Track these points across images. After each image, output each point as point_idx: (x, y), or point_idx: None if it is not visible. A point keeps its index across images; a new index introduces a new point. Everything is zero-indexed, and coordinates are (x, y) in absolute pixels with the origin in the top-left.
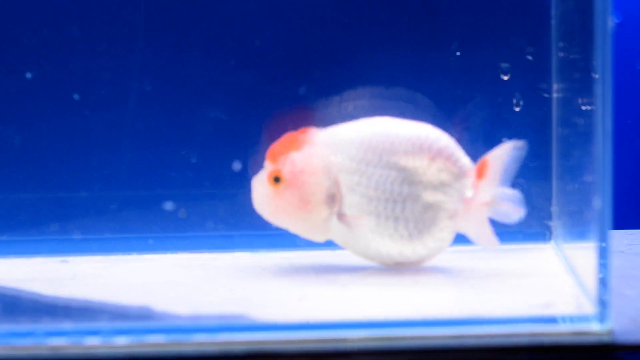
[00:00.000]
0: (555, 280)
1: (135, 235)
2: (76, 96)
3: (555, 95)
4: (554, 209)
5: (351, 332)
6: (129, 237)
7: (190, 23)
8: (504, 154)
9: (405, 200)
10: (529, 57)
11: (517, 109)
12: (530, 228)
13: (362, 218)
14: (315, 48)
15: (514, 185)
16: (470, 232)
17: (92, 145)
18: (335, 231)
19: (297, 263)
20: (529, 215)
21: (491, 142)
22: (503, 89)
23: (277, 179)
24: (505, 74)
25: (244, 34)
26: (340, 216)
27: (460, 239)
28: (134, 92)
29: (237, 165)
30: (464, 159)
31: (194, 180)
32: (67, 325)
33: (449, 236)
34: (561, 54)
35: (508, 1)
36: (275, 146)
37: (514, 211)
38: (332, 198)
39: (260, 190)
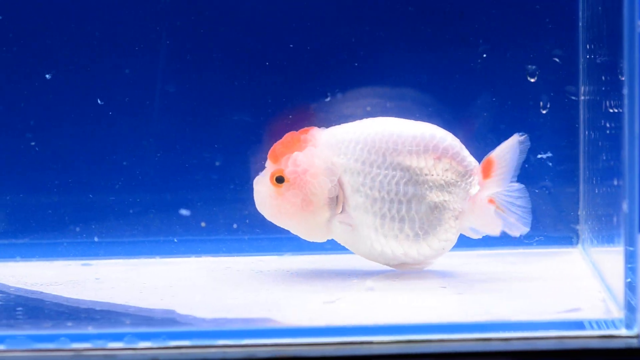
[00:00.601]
0: (582, 284)
1: (159, 239)
2: (100, 102)
3: (582, 98)
4: (581, 212)
5: (376, 336)
6: (152, 240)
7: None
8: (509, 150)
9: (410, 200)
10: (557, 60)
11: (544, 112)
12: (558, 232)
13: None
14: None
15: (540, 188)
16: (479, 224)
17: (115, 148)
18: (337, 232)
19: (322, 266)
20: (556, 219)
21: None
22: (530, 91)
23: (279, 180)
24: (533, 77)
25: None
26: (345, 217)
27: (486, 242)
28: (157, 95)
29: (261, 168)
30: (470, 158)
31: (218, 183)
32: (90, 329)
33: (454, 237)
34: (589, 57)
35: (536, 4)
36: (277, 146)
37: (519, 226)
38: (335, 199)
39: (262, 191)
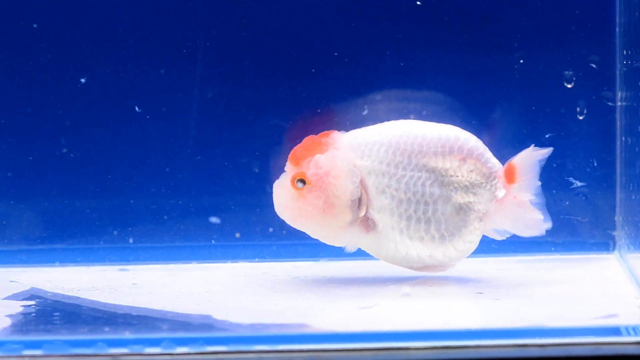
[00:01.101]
0: (619, 291)
1: (196, 244)
2: (138, 109)
3: (619, 103)
4: (618, 218)
5: (413, 341)
6: (190, 246)
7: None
8: (530, 157)
9: (436, 201)
10: (593, 66)
11: (581, 118)
12: (594, 238)
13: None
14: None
15: (577, 194)
16: (509, 225)
17: (153, 153)
18: (359, 235)
19: (358, 272)
20: (593, 225)
21: (557, 150)
22: (567, 97)
23: (301, 182)
24: (569, 82)
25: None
26: (366, 220)
27: (523, 248)
28: (194, 100)
29: None
30: (493, 160)
31: (256, 188)
32: (127, 334)
33: (477, 239)
34: (626, 62)
35: (573, 9)
36: (298, 149)
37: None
38: (357, 202)
39: (283, 194)
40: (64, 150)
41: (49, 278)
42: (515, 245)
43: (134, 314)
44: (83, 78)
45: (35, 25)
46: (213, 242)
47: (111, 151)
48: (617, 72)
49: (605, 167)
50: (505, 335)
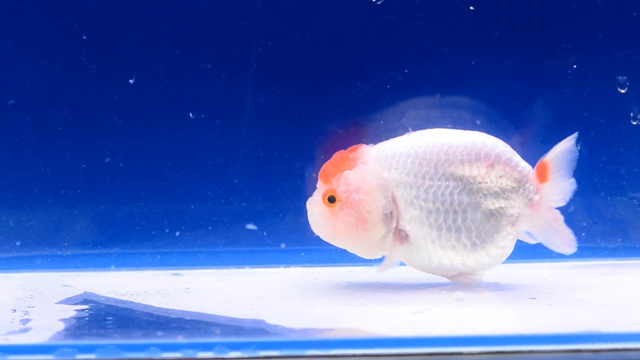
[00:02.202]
0: None
1: (249, 249)
2: (192, 115)
3: None
4: None
5: (465, 347)
6: (243, 251)
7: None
8: (562, 152)
9: (465, 209)
10: None
11: (634, 123)
12: None
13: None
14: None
15: (631, 199)
16: (543, 237)
17: (207, 157)
18: (393, 248)
19: (410, 277)
20: None
21: (610, 155)
22: (620, 102)
23: (332, 199)
24: (623, 87)
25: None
26: (397, 233)
27: (576, 254)
28: (247, 104)
29: None
30: (523, 163)
31: (308, 193)
32: (180, 338)
33: (511, 243)
34: None
35: (626, 13)
36: (327, 166)
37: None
38: (389, 215)
39: (316, 212)
40: (118, 155)
41: (103, 282)
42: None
43: (187, 318)
44: (132, 79)
45: (78, 29)
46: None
47: (165, 156)
48: None
49: None
50: (559, 341)
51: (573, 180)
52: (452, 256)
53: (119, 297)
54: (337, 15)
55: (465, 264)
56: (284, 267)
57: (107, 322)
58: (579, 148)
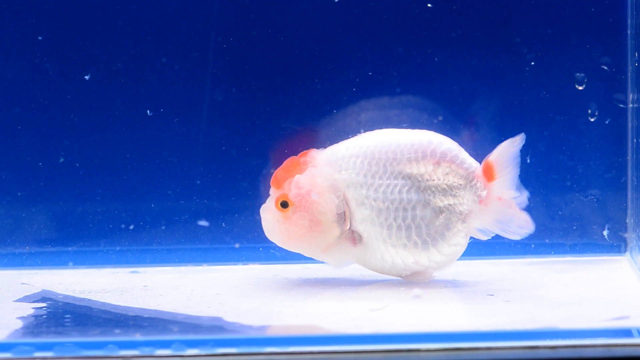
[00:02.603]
0: (630, 292)
1: (206, 246)
2: (149, 112)
3: (631, 105)
4: (630, 220)
5: (423, 343)
6: (200, 248)
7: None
8: (506, 152)
9: (414, 207)
10: (605, 67)
11: (592, 120)
12: (606, 240)
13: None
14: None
15: (588, 195)
16: (497, 228)
17: (163, 154)
18: (348, 249)
19: (369, 274)
20: (604, 227)
21: (567, 152)
22: (578, 99)
23: (284, 204)
24: (581, 84)
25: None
26: (352, 233)
27: (533, 250)
28: (205, 103)
29: None
30: (470, 160)
31: (266, 191)
32: (138, 336)
33: (464, 240)
34: (637, 64)
35: (584, 11)
36: (278, 172)
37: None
38: (342, 216)
39: (269, 218)
40: (74, 152)
41: (60, 280)
42: (526, 247)
43: (145, 316)
44: (87, 76)
45: (36, 27)
46: (237, 245)
47: (122, 154)
48: (629, 74)
49: (617, 169)
50: (517, 337)
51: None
52: (404, 255)
53: (77, 295)
54: (295, 15)
55: (417, 263)
56: (242, 264)
57: (65, 320)
58: (537, 146)
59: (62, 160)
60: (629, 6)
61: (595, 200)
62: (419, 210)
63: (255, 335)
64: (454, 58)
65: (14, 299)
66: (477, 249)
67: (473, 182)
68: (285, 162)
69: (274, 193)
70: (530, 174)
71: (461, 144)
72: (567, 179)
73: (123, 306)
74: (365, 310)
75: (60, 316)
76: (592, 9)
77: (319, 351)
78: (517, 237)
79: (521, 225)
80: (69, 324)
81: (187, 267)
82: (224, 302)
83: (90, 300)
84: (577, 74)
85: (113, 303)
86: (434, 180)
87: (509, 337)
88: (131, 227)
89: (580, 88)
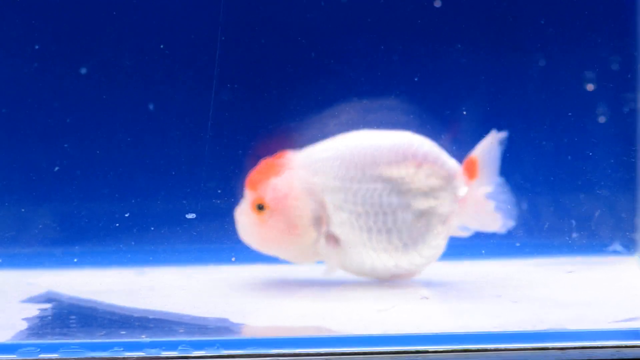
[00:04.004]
0: (639, 293)
1: (213, 246)
2: (151, 106)
3: None
4: (638, 221)
5: (431, 345)
6: (207, 249)
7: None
8: (490, 147)
9: (395, 211)
10: (614, 67)
11: (601, 120)
12: (615, 240)
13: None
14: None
15: (597, 196)
16: (476, 224)
17: (169, 154)
18: (325, 252)
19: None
20: (613, 227)
21: (575, 152)
22: (588, 99)
23: (260, 207)
24: (590, 84)
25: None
26: (329, 237)
27: (543, 251)
28: (212, 102)
29: None
30: (450, 162)
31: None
32: (144, 337)
33: (443, 242)
34: None
35: (593, 11)
36: (254, 174)
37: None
38: (319, 219)
39: (245, 221)
40: (81, 153)
41: (66, 281)
42: (534, 247)
43: (151, 317)
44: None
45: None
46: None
47: (128, 154)
48: (638, 74)
49: (626, 169)
50: (525, 339)
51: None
52: (384, 259)
53: (83, 296)
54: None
55: (398, 266)
56: (249, 265)
57: (71, 321)
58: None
59: (67, 160)
60: (638, 6)
61: (604, 201)
62: (399, 214)
63: (262, 336)
64: (458, 58)
65: (20, 300)
66: (485, 250)
67: (453, 183)
68: (260, 164)
69: (249, 195)
70: (539, 175)
71: (463, 144)
72: (576, 179)
73: (129, 307)
74: (373, 311)
75: (66, 317)
76: (602, 11)
77: (326, 352)
78: (497, 230)
79: (498, 221)
80: (74, 325)
81: (194, 268)
82: (231, 303)
83: (95, 301)
84: (587, 75)
85: (119, 304)
86: (415, 182)
87: (517, 339)
88: (140, 230)
89: (590, 88)
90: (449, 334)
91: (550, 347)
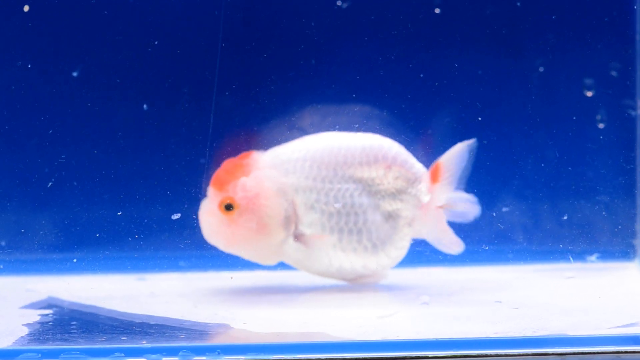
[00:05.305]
0: (639, 299)
1: (213, 253)
2: (145, 106)
3: None
4: (638, 227)
5: (432, 350)
6: (207, 255)
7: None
8: (457, 155)
9: (365, 211)
10: (614, 73)
11: (600, 126)
12: (614, 246)
13: (322, 236)
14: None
15: (597, 203)
16: (430, 237)
17: (169, 161)
18: (290, 253)
19: (377, 281)
20: (613, 233)
21: (575, 158)
22: (587, 105)
23: (229, 207)
24: (589, 90)
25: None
26: (298, 237)
27: (542, 257)
28: (213, 104)
29: None
30: (417, 165)
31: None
32: (144, 343)
33: (408, 244)
34: None
35: (592, 17)
36: (220, 174)
37: (469, 210)
38: (289, 220)
39: (211, 221)
40: (81, 159)
41: (66, 287)
42: (534, 254)
43: (152, 323)
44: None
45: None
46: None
47: (128, 160)
48: (637, 80)
49: (626, 175)
50: (525, 345)
51: (464, 193)
52: (353, 259)
53: (83, 302)
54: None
55: (366, 267)
56: (249, 271)
57: (72, 327)
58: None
59: (67, 166)
60: (638, 12)
61: (603, 207)
62: (369, 214)
63: (263, 342)
64: (458, 62)
65: (20, 306)
66: (484, 256)
67: (418, 187)
68: (224, 164)
69: (215, 195)
70: (539, 180)
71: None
72: (575, 185)
73: (129, 313)
74: (373, 317)
75: (67, 323)
76: (601, 16)
77: (327, 358)
78: (447, 251)
79: (452, 242)
80: (75, 331)
81: (194, 274)
82: (231, 309)
83: (96, 307)
84: (586, 80)
85: (119, 310)
86: (384, 184)
87: (518, 345)
88: (140, 236)
89: (589, 94)
90: (450, 340)
91: (550, 352)
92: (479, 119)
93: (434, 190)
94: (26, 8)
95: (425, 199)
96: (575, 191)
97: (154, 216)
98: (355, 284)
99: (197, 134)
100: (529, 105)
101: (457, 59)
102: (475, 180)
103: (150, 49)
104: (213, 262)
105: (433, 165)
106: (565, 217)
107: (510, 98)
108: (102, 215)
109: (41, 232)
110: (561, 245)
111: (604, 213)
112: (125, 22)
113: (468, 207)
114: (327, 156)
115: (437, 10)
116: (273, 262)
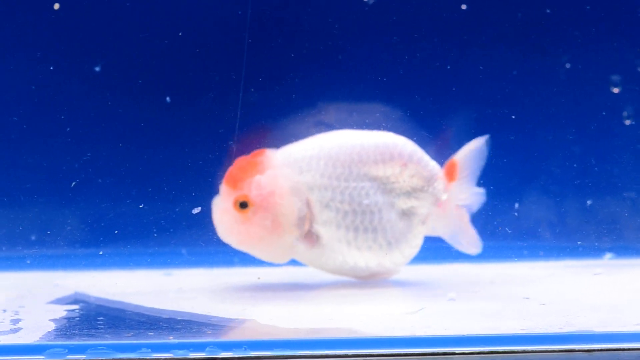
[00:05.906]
0: None
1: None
2: (168, 98)
3: None
4: None
5: (459, 347)
6: (235, 250)
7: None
8: (474, 152)
9: (380, 209)
10: None
11: (627, 123)
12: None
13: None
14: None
15: (624, 198)
16: (447, 236)
17: (195, 157)
18: (302, 251)
19: (405, 278)
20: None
21: (604, 155)
22: (614, 102)
23: (244, 205)
24: (616, 87)
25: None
26: (311, 235)
27: (570, 253)
28: (239, 103)
29: None
30: (432, 163)
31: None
32: (171, 339)
33: (421, 242)
34: None
35: (619, 13)
36: (234, 171)
37: (471, 247)
38: (303, 218)
39: (226, 218)
40: (109, 155)
41: (93, 282)
42: (562, 250)
43: (179, 318)
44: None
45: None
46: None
47: (155, 156)
48: None
49: None
50: (552, 341)
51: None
52: (368, 257)
53: (110, 297)
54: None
55: (380, 264)
56: (277, 267)
57: (98, 322)
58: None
59: (94, 162)
60: None
61: (631, 203)
62: (384, 213)
63: (290, 338)
64: (480, 60)
65: (47, 301)
66: (513, 252)
67: (435, 184)
68: (237, 161)
69: (229, 193)
70: (566, 178)
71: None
72: (603, 183)
73: (156, 309)
74: (401, 313)
75: (93, 318)
76: (627, 11)
77: (354, 354)
78: (464, 250)
79: (471, 242)
80: (102, 327)
81: (221, 270)
82: (258, 305)
83: (123, 302)
84: (613, 77)
85: (146, 305)
86: (399, 182)
87: (545, 341)
88: (167, 232)
89: (616, 91)
90: (477, 336)
91: (577, 349)
92: (512, 117)
93: (452, 189)
94: (56, 6)
95: (443, 197)
96: (604, 188)
97: (181, 212)
98: (366, 280)
99: (222, 128)
100: (556, 103)
101: (482, 59)
102: (503, 177)
103: (170, 49)
104: (239, 258)
105: (448, 163)
106: (592, 214)
107: (538, 95)
108: (130, 211)
109: (68, 228)
110: (592, 242)
111: (632, 210)
112: (148, 18)
113: (477, 199)
114: (342, 154)
115: (464, 7)
116: (284, 260)
